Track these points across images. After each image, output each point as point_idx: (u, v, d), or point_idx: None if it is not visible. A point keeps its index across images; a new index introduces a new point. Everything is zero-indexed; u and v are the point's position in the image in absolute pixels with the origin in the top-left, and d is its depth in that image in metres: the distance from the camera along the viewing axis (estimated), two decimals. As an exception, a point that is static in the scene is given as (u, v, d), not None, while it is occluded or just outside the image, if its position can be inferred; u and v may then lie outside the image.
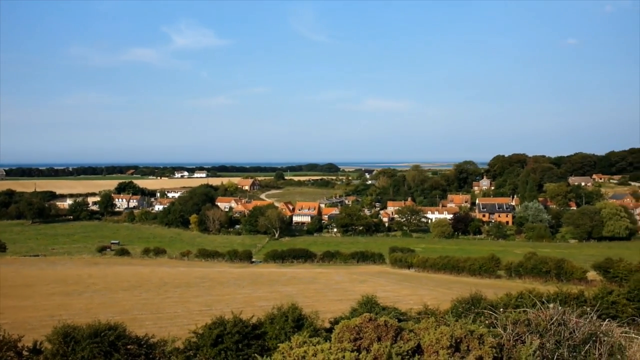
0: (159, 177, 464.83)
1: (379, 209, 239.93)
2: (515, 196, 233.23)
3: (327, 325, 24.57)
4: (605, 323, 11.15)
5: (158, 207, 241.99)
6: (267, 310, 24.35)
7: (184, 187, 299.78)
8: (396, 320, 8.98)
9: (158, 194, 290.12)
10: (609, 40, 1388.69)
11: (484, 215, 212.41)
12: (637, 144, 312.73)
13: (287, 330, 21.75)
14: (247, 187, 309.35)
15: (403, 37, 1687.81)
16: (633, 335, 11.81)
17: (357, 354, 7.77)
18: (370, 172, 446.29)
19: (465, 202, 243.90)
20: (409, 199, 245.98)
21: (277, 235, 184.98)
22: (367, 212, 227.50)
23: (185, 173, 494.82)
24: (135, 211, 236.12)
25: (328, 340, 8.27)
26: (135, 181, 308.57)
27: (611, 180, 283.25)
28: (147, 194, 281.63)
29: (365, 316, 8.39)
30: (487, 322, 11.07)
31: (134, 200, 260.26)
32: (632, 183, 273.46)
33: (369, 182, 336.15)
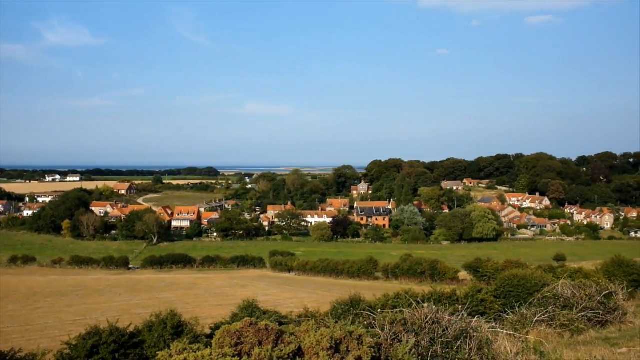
0: (27, 181, 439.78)
1: (259, 213, 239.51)
2: (391, 200, 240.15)
3: (208, 331, 24.22)
4: (474, 320, 11.74)
5: (27, 213, 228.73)
6: (145, 317, 23.67)
7: (55, 192, 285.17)
8: (277, 324, 9.02)
9: (27, 199, 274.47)
10: (476, 52, 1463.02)
11: (362, 219, 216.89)
12: (503, 151, 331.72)
13: (166, 338, 21.25)
14: (123, 192, 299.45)
15: (283, 42, 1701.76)
16: (499, 329, 12.52)
17: (239, 358, 7.74)
18: (250, 176, 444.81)
19: (344, 205, 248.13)
20: (289, 202, 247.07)
21: (155, 240, 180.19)
22: (247, 216, 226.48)
23: (57, 176, 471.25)
24: (1, 217, 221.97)
25: (209, 346, 8.18)
26: (0, 185, 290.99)
27: (480, 185, 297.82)
28: (15, 199, 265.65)
29: (246, 321, 8.36)
30: (365, 322, 11.35)
31: (0, 206, 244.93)
32: (499, 187, 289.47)
33: (249, 186, 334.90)
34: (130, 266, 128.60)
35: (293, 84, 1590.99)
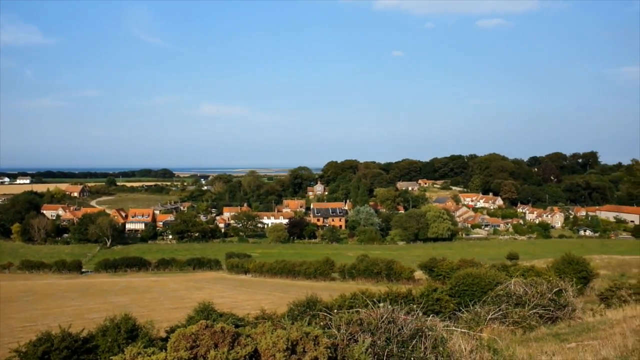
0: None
1: (215, 214, 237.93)
2: (347, 201, 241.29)
3: (163, 334, 23.94)
4: (429, 318, 11.88)
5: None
6: (98, 322, 23.24)
7: (4, 195, 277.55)
8: (233, 326, 8.98)
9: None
10: (430, 54, 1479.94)
11: (318, 220, 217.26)
12: (457, 151, 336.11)
13: (120, 342, 20.92)
14: (76, 194, 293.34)
15: (239, 42, 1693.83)
16: (453, 328, 12.70)
17: (195, 361, 7.68)
18: (206, 177, 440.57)
19: (301, 207, 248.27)
20: (245, 204, 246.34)
21: (109, 243, 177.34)
22: (203, 218, 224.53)
23: (6, 179, 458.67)
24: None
25: (164, 350, 8.10)
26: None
27: (435, 185, 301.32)
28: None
29: (202, 323, 8.31)
30: (322, 323, 11.38)
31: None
32: (453, 187, 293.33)
33: (205, 187, 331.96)
34: (83, 270, 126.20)
35: (249, 84, 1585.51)
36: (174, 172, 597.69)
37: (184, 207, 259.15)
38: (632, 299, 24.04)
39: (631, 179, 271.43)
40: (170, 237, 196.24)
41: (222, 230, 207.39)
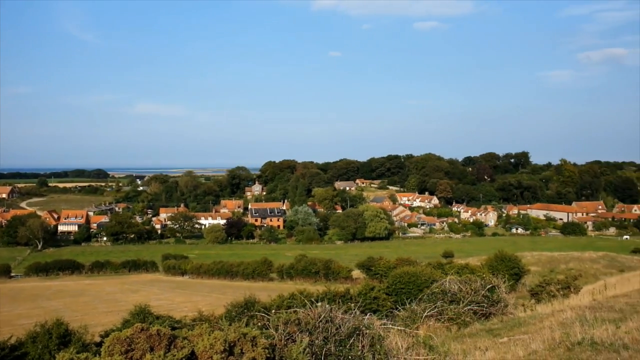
0: None
1: (151, 215, 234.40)
2: (285, 201, 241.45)
3: (98, 339, 23.39)
4: (367, 317, 12.00)
5: None
6: (29, 328, 22.44)
7: None
8: (170, 328, 8.86)
9: None
10: (367, 55, 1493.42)
11: (256, 220, 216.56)
12: (394, 151, 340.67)
13: (51, 349, 20.30)
14: (4, 195, 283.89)
15: (175, 41, 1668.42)
16: (390, 326, 12.87)
17: (129, 365, 7.55)
18: (142, 178, 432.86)
19: (238, 207, 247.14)
20: (182, 205, 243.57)
21: (40, 246, 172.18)
22: (138, 219, 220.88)
23: None
24: None
25: (98, 355, 7.93)
26: None
27: (372, 185, 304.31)
28: None
29: (137, 327, 8.16)
30: (260, 324, 11.36)
31: None
32: (390, 187, 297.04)
33: (141, 188, 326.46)
34: (13, 274, 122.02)
35: (186, 84, 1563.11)
36: (108, 173, 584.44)
37: (119, 208, 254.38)
38: (560, 293, 24.90)
39: (560, 179, 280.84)
40: (105, 239, 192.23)
41: (159, 231, 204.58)
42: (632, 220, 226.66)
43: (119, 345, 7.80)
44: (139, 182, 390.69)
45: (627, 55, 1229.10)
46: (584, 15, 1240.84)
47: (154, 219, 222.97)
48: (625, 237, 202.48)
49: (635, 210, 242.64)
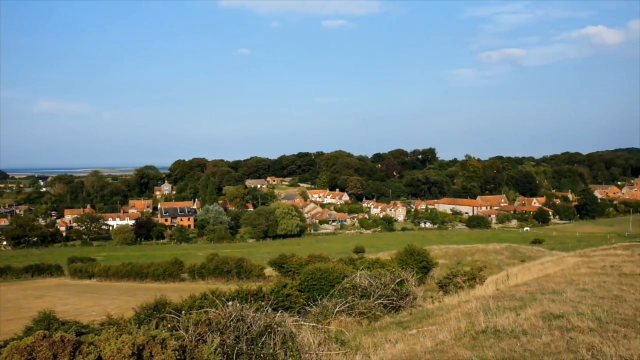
0: None
1: (55, 217, 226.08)
2: (196, 200, 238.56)
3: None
4: (278, 314, 12.02)
5: None
6: None
7: None
8: (75, 334, 8.58)
9: None
10: (277, 52, 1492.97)
11: (166, 220, 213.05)
12: (305, 149, 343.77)
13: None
14: None
15: (79, 37, 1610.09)
16: (302, 322, 12.95)
17: (31, 374, 7.27)
18: (45, 178, 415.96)
19: (148, 207, 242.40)
20: (89, 206, 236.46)
21: None
22: (42, 221, 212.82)
23: None
24: None
25: (-5, 365, 7.59)
26: None
27: (283, 182, 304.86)
28: None
29: (39, 334, 7.85)
30: (169, 325, 11.18)
31: None
32: (301, 184, 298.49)
33: (44, 189, 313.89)
34: None
35: (91, 81, 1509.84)
36: (7, 173, 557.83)
37: (20, 211, 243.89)
38: (466, 284, 25.73)
39: (465, 174, 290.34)
40: (5, 243, 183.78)
41: (64, 233, 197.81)
42: (532, 212, 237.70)
43: (18, 355, 7.47)
44: (41, 183, 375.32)
45: (525, 56, 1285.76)
46: (485, 16, 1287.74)
47: (58, 221, 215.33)
48: (525, 228, 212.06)
49: (535, 203, 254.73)
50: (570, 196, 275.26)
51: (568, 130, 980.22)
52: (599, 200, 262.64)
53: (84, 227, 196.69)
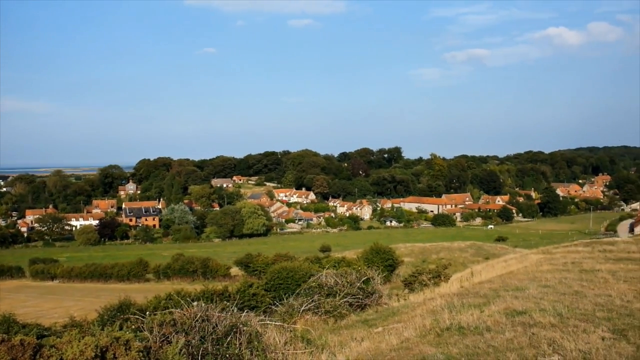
0: None
1: (16, 218, 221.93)
2: (161, 199, 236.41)
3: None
4: (244, 314, 11.98)
5: None
6: None
7: None
8: (36, 337, 8.44)
9: None
10: (242, 51, 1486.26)
11: (131, 220, 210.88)
12: (271, 148, 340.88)
13: None
14: None
15: (39, 34, 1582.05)
16: (268, 321, 12.93)
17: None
18: (5, 178, 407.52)
19: (112, 207, 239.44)
20: (51, 206, 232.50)
21: None
22: (2, 222, 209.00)
23: None
24: None
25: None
26: None
27: (249, 181, 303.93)
28: None
29: (-3, 337, 7.70)
30: (134, 327, 11.06)
31: None
32: (267, 183, 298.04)
33: (4, 189, 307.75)
34: None
35: (52, 80, 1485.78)
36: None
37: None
38: (432, 282, 25.98)
39: (430, 172, 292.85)
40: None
41: (25, 234, 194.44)
42: (495, 210, 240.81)
43: (-24, 358, 7.32)
44: (1, 182, 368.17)
45: (489, 56, 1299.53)
46: (450, 17, 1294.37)
47: (19, 221, 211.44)
48: (489, 226, 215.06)
49: (499, 201, 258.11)
50: (533, 194, 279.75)
51: (531, 129, 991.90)
52: (561, 198, 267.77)
53: (46, 228, 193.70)
